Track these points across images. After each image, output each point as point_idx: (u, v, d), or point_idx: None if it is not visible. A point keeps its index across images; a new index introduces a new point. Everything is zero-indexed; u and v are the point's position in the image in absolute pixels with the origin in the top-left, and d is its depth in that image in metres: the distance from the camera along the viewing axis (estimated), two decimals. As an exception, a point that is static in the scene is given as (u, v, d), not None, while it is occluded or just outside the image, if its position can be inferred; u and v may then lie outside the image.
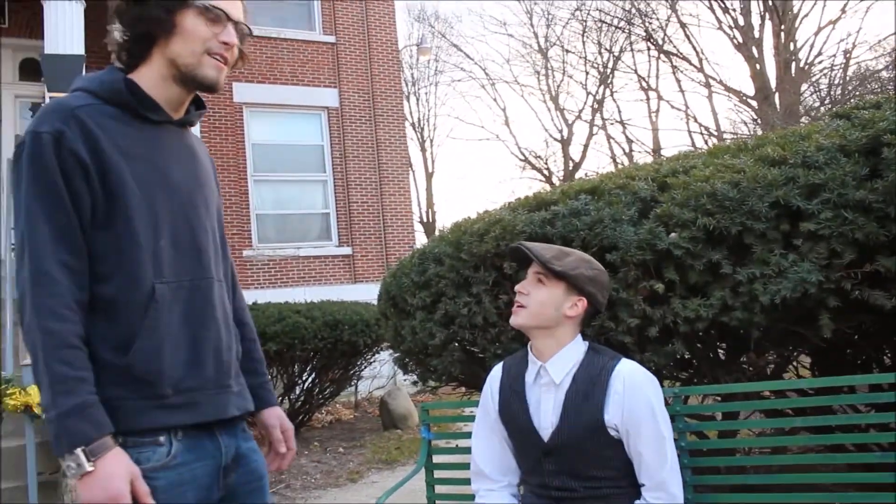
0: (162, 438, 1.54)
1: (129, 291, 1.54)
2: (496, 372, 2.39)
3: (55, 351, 1.42)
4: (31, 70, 9.76)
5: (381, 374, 9.82)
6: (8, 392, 4.91)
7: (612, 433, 2.11)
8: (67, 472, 1.41)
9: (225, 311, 1.74)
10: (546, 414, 2.18)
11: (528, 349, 2.28)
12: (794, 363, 3.39)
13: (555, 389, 2.18)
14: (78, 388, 1.41)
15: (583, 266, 2.21)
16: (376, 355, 8.53)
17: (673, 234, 2.64)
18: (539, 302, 2.19)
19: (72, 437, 1.39)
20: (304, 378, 7.97)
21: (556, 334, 2.20)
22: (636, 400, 2.10)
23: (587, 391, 2.13)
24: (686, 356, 2.89)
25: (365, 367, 8.70)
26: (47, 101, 7.46)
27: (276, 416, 1.90)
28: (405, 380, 5.09)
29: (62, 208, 1.49)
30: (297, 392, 8.00)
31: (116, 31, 1.66)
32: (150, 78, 1.65)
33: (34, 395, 4.92)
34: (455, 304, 3.33)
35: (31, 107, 9.73)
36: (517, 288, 2.26)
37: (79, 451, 1.39)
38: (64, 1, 7.64)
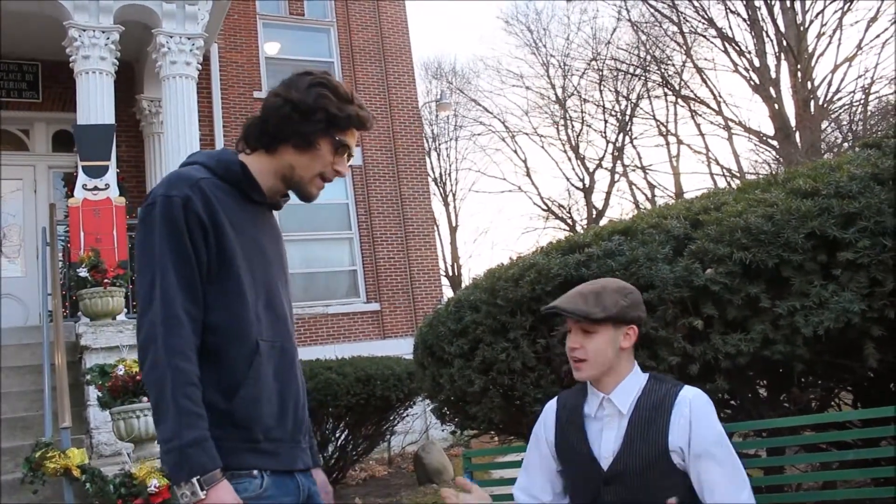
0: (255, 472, 1.71)
1: (237, 343, 1.71)
2: (551, 405, 2.38)
3: (182, 387, 1.59)
4: (63, 141, 10.03)
5: (413, 429, 9.75)
6: (48, 456, 4.93)
7: (676, 459, 2.08)
8: (181, 500, 1.55)
9: (301, 373, 1.91)
10: (608, 443, 2.16)
11: (588, 383, 2.27)
12: (837, 400, 3.33)
13: (619, 419, 2.17)
14: (198, 422, 1.59)
15: (620, 299, 2.22)
16: (409, 410, 8.49)
17: (709, 270, 2.64)
18: (596, 351, 2.19)
19: (192, 466, 1.55)
20: (337, 435, 7.93)
21: (616, 368, 2.21)
22: (705, 425, 2.08)
23: (651, 417, 2.12)
24: (726, 397, 2.86)
25: (398, 423, 8.65)
26: (79, 169, 7.66)
27: (320, 479, 2.02)
28: (444, 429, 5.06)
29: (188, 261, 1.68)
30: (331, 450, 7.94)
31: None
32: (261, 166, 1.84)
33: (73, 457, 4.94)
34: (493, 350, 3.33)
35: (63, 176, 9.93)
36: (569, 345, 2.25)
37: (195, 480, 1.54)
38: (94, 74, 7.90)
